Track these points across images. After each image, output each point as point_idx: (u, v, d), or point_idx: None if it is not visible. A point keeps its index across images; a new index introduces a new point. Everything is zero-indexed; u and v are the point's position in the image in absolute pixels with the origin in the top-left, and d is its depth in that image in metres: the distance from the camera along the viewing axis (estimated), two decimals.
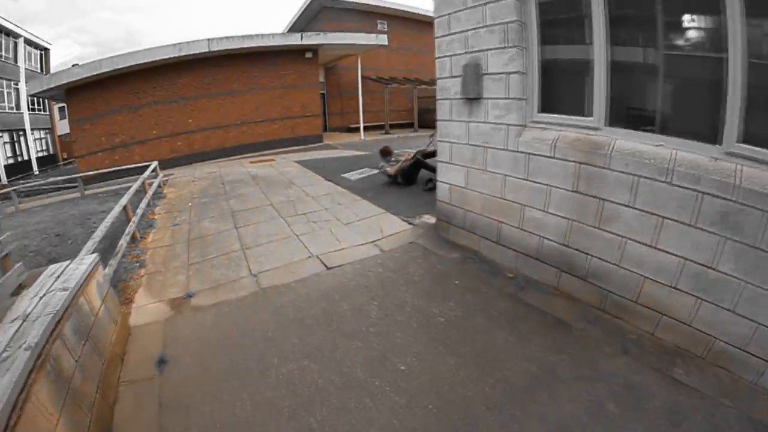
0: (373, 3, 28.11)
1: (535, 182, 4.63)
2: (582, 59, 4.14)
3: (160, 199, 10.96)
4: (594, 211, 4.06)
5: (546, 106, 4.65)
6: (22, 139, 35.82)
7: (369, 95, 26.10)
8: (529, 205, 4.77)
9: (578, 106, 4.29)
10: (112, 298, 4.43)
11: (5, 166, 32.10)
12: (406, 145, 17.82)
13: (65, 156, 20.71)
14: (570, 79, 4.46)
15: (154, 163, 12.53)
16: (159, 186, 11.86)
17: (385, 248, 6.20)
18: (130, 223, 7.29)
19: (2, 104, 33.16)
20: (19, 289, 4.01)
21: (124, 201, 7.49)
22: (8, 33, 34.22)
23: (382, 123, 27.40)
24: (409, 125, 29.08)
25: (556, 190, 4.40)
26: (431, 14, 19.10)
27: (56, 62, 22.03)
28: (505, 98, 4.82)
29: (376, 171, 11.33)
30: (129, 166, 15.60)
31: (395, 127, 28.05)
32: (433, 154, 9.03)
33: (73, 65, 19.90)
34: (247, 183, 11.71)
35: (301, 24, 30.76)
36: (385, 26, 28.74)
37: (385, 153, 10.70)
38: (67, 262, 4.14)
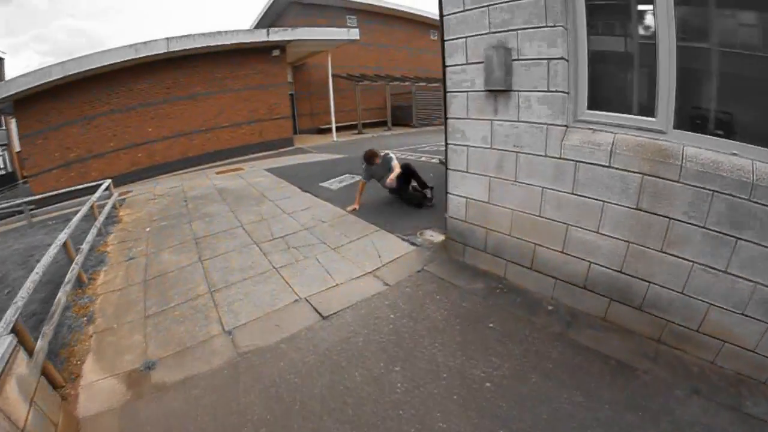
0: None
1: (585, 197, 3.68)
2: (642, 43, 3.43)
3: (114, 224, 9.69)
4: (659, 233, 3.39)
5: (595, 103, 3.68)
6: None
7: (340, 94, 24.87)
8: (576, 225, 3.81)
9: (636, 103, 3.51)
10: (45, 394, 3.39)
11: None
12: (385, 145, 16.96)
13: (25, 174, 19.55)
14: (625, 69, 3.61)
15: (107, 182, 11.10)
16: (114, 207, 10.57)
17: (390, 280, 5.03)
18: (73, 265, 6.05)
19: None
20: None
21: (62, 237, 6.18)
22: None
23: (355, 122, 26.18)
24: (383, 123, 27.96)
25: (613, 206, 3.59)
26: (401, 8, 18.38)
27: (15, 73, 20.86)
28: (544, 91, 3.77)
29: (358, 177, 9.71)
30: (78, 187, 14.00)
31: (368, 126, 26.97)
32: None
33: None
34: (213, 199, 10.43)
35: (266, 22, 29.45)
36: (355, 21, 27.70)
37: (371, 158, 8.12)
38: None
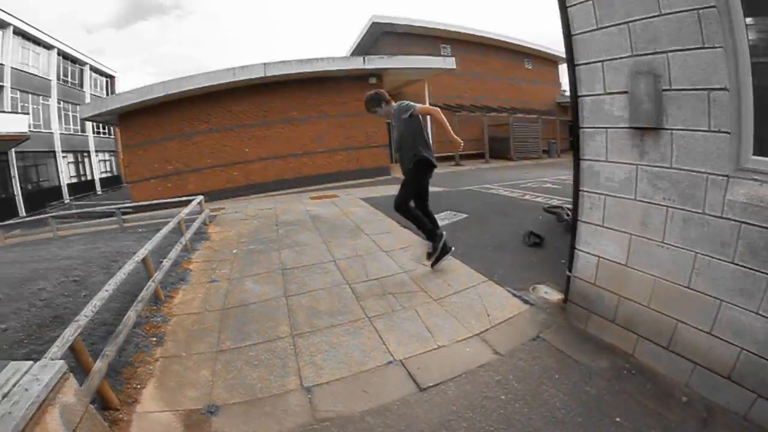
0: (435, 27, 27.29)
1: (747, 268, 2.85)
2: None
3: (202, 240, 9.59)
4: None
5: (761, 147, 2.86)
6: (86, 160, 38.85)
7: (436, 124, 24.07)
8: (731, 302, 2.97)
9: None
10: (92, 423, 3.07)
11: (69, 185, 34.44)
12: (483, 179, 16.50)
13: (127, 180, 21.25)
14: None
15: (198, 198, 11.16)
16: (204, 223, 10.58)
17: (501, 348, 4.17)
18: (150, 282, 5.76)
19: (68, 126, 35.60)
20: None
21: (142, 253, 5.87)
22: (74, 60, 37.45)
23: (451, 153, 25.22)
24: (480, 156, 27.07)
25: None
26: (496, 36, 17.72)
27: (123, 92, 24.10)
28: (703, 130, 2.98)
29: (462, 215, 9.23)
30: (171, 200, 14.34)
31: (465, 157, 26.21)
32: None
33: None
34: (306, 226, 9.99)
35: (361, 50, 29.94)
36: (449, 51, 27.72)
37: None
38: (28, 365, 2.95)
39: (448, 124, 5.86)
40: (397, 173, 20.37)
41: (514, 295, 5.19)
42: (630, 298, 3.75)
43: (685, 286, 3.24)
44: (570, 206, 7.25)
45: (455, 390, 3.59)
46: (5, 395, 2.59)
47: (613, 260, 3.86)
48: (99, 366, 3.66)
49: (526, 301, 5.01)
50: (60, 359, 3.04)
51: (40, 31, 30.99)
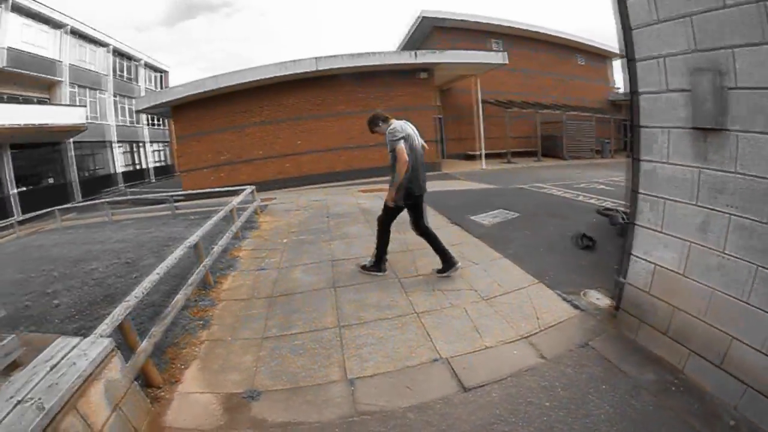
0: (487, 21, 26.72)
1: None
2: None
3: (252, 229, 9.74)
4: None
5: None
6: (141, 150, 41.23)
7: (487, 120, 23.80)
8: None
9: None
10: (135, 399, 3.32)
11: (123, 173, 36.77)
12: (537, 177, 16.14)
13: (180, 169, 22.08)
14: None
15: (250, 188, 11.40)
16: (255, 212, 10.77)
17: (548, 353, 4.04)
18: (200, 267, 5.86)
19: (123, 118, 37.86)
20: (12, 367, 3.30)
21: (193, 239, 5.95)
22: (129, 57, 39.66)
23: (503, 151, 25.00)
24: (530, 154, 26.41)
25: None
26: (547, 31, 16.98)
27: (175, 85, 26.00)
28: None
29: (514, 214, 9.04)
30: (223, 189, 14.64)
31: (516, 155, 25.54)
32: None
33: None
34: (356, 219, 9.97)
35: (410, 46, 29.69)
36: (500, 46, 26.98)
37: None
38: (77, 340, 3.19)
39: (400, 177, 5.57)
40: (446, 169, 20.30)
41: (564, 300, 5.05)
42: (684, 310, 3.56)
43: (743, 301, 3.04)
44: (624, 209, 7.01)
45: (499, 392, 3.51)
46: (53, 367, 2.76)
47: (669, 268, 3.66)
48: (145, 345, 3.78)
49: (576, 306, 4.88)
50: (108, 337, 3.20)
51: (95, 30, 32.90)
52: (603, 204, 9.62)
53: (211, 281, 6.30)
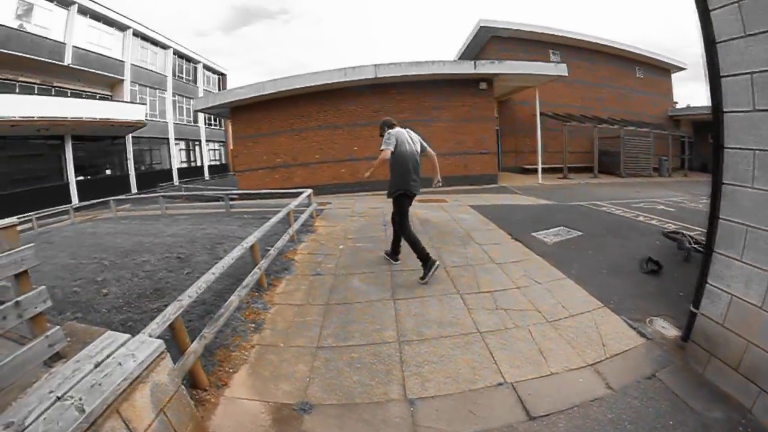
0: (545, 32, 26.36)
1: None
2: None
3: (308, 233, 9.73)
4: None
5: None
6: (197, 148, 43.57)
7: (544, 133, 23.07)
8: None
9: None
10: (181, 403, 3.10)
11: (179, 169, 38.72)
12: (593, 195, 15.74)
13: (235, 169, 22.80)
14: None
15: (308, 191, 11.38)
16: (311, 216, 10.75)
17: (615, 383, 3.87)
18: (255, 269, 5.83)
19: (182, 117, 40.28)
20: (55, 358, 3.51)
21: (250, 240, 5.92)
22: (189, 59, 42.59)
23: (559, 165, 24.38)
24: (587, 170, 25.67)
25: None
26: (607, 42, 17.22)
27: (234, 87, 27.45)
28: None
29: (575, 233, 8.83)
30: (278, 190, 14.91)
31: (572, 170, 24.88)
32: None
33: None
34: (415, 229, 9.20)
35: (468, 55, 29.43)
36: (558, 57, 26.44)
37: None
38: (125, 338, 3.04)
39: (375, 168, 6.78)
40: (503, 182, 20.04)
41: (631, 326, 4.86)
42: (759, 346, 3.36)
43: None
44: (691, 233, 6.82)
45: (566, 423, 3.40)
46: (98, 364, 2.67)
47: (748, 300, 3.46)
48: (195, 347, 3.74)
49: (642, 334, 4.69)
50: (158, 338, 3.12)
51: (156, 33, 35.19)
52: (665, 226, 9.34)
53: (265, 284, 6.27)
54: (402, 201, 6.77)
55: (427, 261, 6.47)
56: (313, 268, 7.20)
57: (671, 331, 4.69)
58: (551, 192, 17.09)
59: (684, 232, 7.71)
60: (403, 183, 6.67)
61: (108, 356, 2.75)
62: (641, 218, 10.56)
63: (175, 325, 3.56)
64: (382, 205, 13.29)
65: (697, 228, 8.57)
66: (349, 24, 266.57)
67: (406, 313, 5.34)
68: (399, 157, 6.62)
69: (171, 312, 3.52)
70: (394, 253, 7.34)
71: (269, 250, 6.98)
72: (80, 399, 2.34)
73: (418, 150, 6.87)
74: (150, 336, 3.12)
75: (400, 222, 6.86)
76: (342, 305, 5.64)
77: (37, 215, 17.22)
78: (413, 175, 6.69)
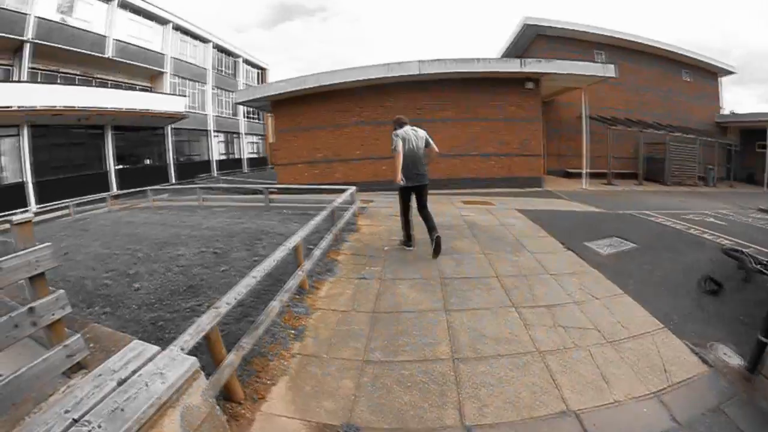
0: (592, 31, 25.76)
1: None
2: None
3: (351, 232, 9.58)
4: None
5: None
6: (236, 140, 44.54)
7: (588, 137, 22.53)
8: None
9: None
10: (213, 424, 2.81)
11: (218, 161, 39.63)
12: (639, 203, 15.49)
13: (275, 162, 23.04)
14: None
15: (352, 188, 11.24)
16: (354, 214, 10.59)
17: (680, 415, 3.60)
18: (298, 271, 5.70)
19: (222, 110, 41.38)
20: (76, 367, 3.26)
21: (295, 240, 5.68)
22: (230, 54, 43.69)
23: (602, 170, 23.47)
24: (631, 176, 24.75)
25: None
26: (654, 43, 17.12)
27: (275, 80, 28.25)
28: None
29: (629, 244, 8.51)
30: (320, 186, 14.97)
31: (616, 176, 23.90)
32: None
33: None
34: (462, 232, 9.53)
35: (512, 54, 28.82)
36: (603, 57, 25.76)
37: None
38: (154, 351, 2.83)
39: (395, 166, 7.48)
40: (548, 186, 19.61)
41: (693, 351, 4.58)
42: None
43: None
44: (747, 250, 6.57)
45: None
46: (121, 382, 2.45)
47: None
48: (231, 359, 3.53)
49: (705, 361, 4.42)
50: (192, 356, 2.88)
51: (197, 27, 36.37)
52: (721, 242, 8.98)
53: (307, 286, 6.05)
54: (403, 193, 7.89)
55: (409, 241, 8.16)
56: (358, 270, 7.02)
57: (735, 360, 4.44)
58: (597, 198, 16.69)
59: (743, 250, 7.42)
60: (409, 178, 7.55)
61: (133, 372, 2.55)
62: (693, 231, 10.17)
63: (211, 336, 3.35)
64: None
65: (751, 245, 8.31)
66: (387, 23, 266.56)
67: (459, 326, 5.07)
68: (406, 154, 7.53)
69: (206, 322, 3.31)
70: (407, 240, 8.25)
71: (312, 249, 6.86)
72: (99, 426, 2.13)
73: (422, 146, 7.73)
74: (182, 350, 2.89)
75: (401, 209, 8.08)
76: (390, 314, 5.40)
77: (75, 202, 17.71)
78: (414, 169, 7.57)
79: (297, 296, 5.71)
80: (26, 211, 19.28)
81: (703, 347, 4.70)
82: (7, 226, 3.78)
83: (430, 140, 7.89)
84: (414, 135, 7.66)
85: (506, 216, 11.69)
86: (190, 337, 3.05)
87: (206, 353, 3.39)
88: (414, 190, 7.81)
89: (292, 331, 4.85)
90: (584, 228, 10.20)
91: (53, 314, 3.16)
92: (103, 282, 6.94)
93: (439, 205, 13.24)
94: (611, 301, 5.86)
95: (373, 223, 10.65)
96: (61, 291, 3.29)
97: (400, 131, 7.61)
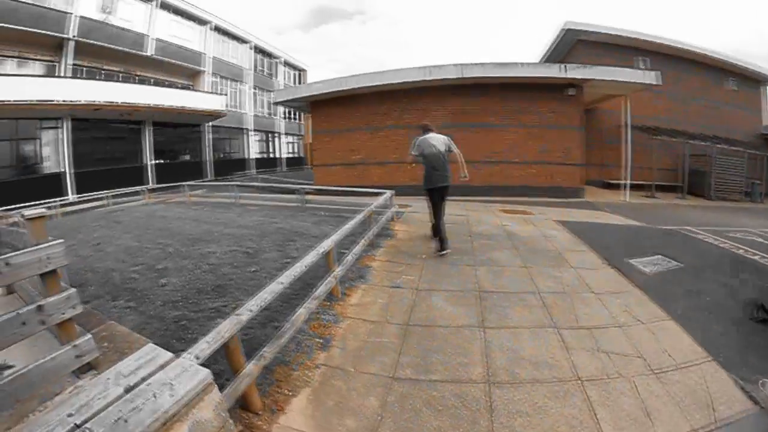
0: (636, 36, 24.90)
1: None
2: None
3: (386, 237, 9.44)
4: None
5: None
6: (274, 140, 45.78)
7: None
8: None
9: None
10: None
11: (255, 160, 40.67)
12: (682, 218, 14.76)
13: (312, 163, 23.38)
14: None
15: (389, 192, 11.22)
16: (390, 219, 10.52)
17: None
18: (330, 278, 5.53)
19: (261, 109, 42.60)
20: (86, 367, 3.11)
21: (327, 245, 5.62)
22: (269, 55, 44.73)
23: (642, 182, 22.58)
24: (672, 188, 23.60)
25: None
26: (699, 50, 16.38)
27: (314, 81, 29.09)
28: None
29: (674, 264, 8.06)
30: (357, 188, 14.81)
31: (657, 188, 22.85)
32: None
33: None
34: (502, 243, 9.24)
35: (552, 60, 28.21)
36: (647, 64, 24.78)
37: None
38: (167, 358, 2.80)
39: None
40: (589, 197, 19.09)
41: (742, 389, 4.23)
42: None
43: None
44: None
45: None
46: (129, 389, 2.41)
47: None
48: (251, 369, 3.40)
49: (754, 401, 4.06)
50: (206, 368, 2.78)
51: (237, 28, 37.44)
52: None
53: (338, 293, 5.92)
54: (431, 194, 8.58)
55: (443, 243, 8.34)
56: (392, 278, 6.84)
57: None
58: (639, 212, 16.09)
59: None
60: (427, 180, 8.47)
61: (142, 380, 2.51)
62: (741, 251, 9.65)
63: (230, 345, 3.23)
64: (465, 213, 13.04)
65: None
66: (426, 26, 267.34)
67: (497, 346, 4.79)
68: (424, 159, 8.44)
69: (226, 329, 3.18)
70: (440, 240, 8.51)
71: (345, 253, 6.71)
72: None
73: (442, 150, 8.35)
74: (197, 358, 2.80)
75: (431, 211, 8.75)
76: (423, 327, 5.20)
77: (112, 194, 18.47)
78: (436, 172, 8.30)
79: (326, 302, 5.59)
80: (65, 200, 20.25)
81: (752, 383, 4.34)
82: (19, 219, 3.74)
83: (452, 146, 8.49)
84: (432, 142, 8.36)
85: (546, 227, 11.35)
86: (207, 345, 2.98)
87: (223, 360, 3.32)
88: (437, 191, 8.46)
89: (319, 340, 4.73)
90: (626, 243, 9.80)
91: (63, 313, 3.04)
92: (131, 275, 6.98)
93: (478, 213, 13.20)
94: (656, 326, 5.51)
95: (410, 229, 10.51)
96: (73, 290, 3.16)
97: (419, 139, 8.55)
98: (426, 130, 8.72)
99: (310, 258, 4.98)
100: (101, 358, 3.24)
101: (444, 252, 8.22)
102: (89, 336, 3.15)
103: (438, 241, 8.42)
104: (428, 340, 4.90)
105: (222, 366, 3.31)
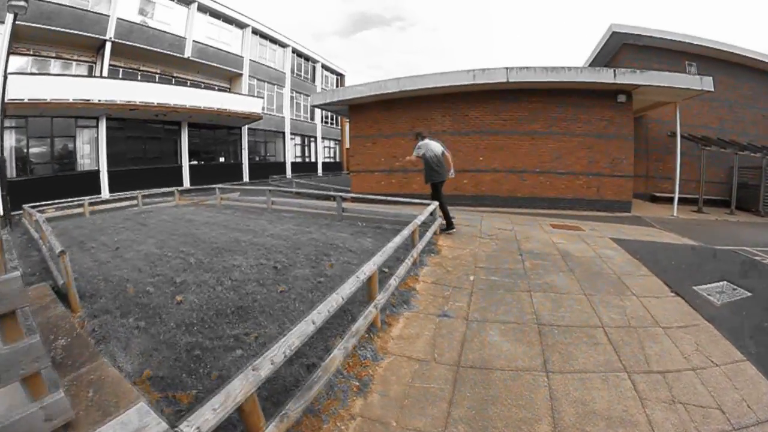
0: (685, 40, 23.71)
1: None
2: None
3: (431, 254, 8.83)
4: None
5: None
6: (312, 144, 46.62)
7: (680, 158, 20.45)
8: None
9: None
10: None
11: (292, 163, 41.56)
12: (732, 236, 13.75)
13: (350, 168, 23.15)
14: None
15: (434, 204, 10.58)
16: (434, 233, 9.94)
17: None
18: (371, 308, 4.99)
19: (298, 113, 43.59)
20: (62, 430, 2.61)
21: (369, 269, 5.07)
22: (308, 59, 45.97)
23: (691, 195, 21.26)
24: (720, 203, 22.24)
25: None
26: (753, 55, 15.97)
27: (354, 84, 29.31)
28: None
29: (743, 293, 7.26)
30: (395, 198, 14.31)
31: (705, 202, 21.44)
32: None
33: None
34: (556, 264, 8.54)
35: (598, 65, 27.26)
36: (695, 69, 23.75)
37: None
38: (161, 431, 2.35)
39: (406, 162, 12.46)
40: (637, 211, 18.23)
41: None
42: None
43: None
44: None
45: None
46: None
47: None
48: (290, 410, 2.96)
49: None
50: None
51: (275, 32, 38.87)
52: None
53: (378, 322, 5.35)
54: (433, 185, 11.22)
55: (450, 224, 11.28)
56: (440, 305, 6.27)
57: None
58: (690, 228, 15.13)
59: None
60: (429, 176, 11.20)
61: None
62: None
63: (245, 408, 2.66)
64: (510, 227, 12.33)
65: None
66: (465, 33, 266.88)
67: (564, 395, 4.17)
68: (425, 161, 11.04)
69: (239, 388, 2.58)
70: (447, 225, 11.30)
71: (385, 272, 6.27)
72: None
73: (439, 153, 10.94)
74: (198, 429, 2.23)
75: (437, 197, 11.06)
76: (478, 370, 4.61)
77: (143, 194, 18.62)
78: (435, 170, 11.03)
79: (366, 336, 5.04)
80: (97, 198, 20.61)
81: None
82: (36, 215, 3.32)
83: (445, 150, 11.06)
84: (431, 146, 10.94)
85: (600, 245, 10.55)
86: (213, 413, 2.36)
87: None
88: (439, 183, 11.10)
89: (356, 383, 4.17)
90: (687, 266, 8.94)
91: (23, 369, 2.52)
92: (146, 288, 6.65)
93: (526, 227, 12.46)
94: (732, 369, 4.83)
95: (455, 245, 9.85)
96: (36, 339, 2.67)
97: (422, 143, 11.06)
98: (422, 136, 11.34)
99: (348, 287, 4.46)
100: (81, 415, 2.82)
101: (450, 231, 11.18)
102: (60, 394, 2.69)
103: (447, 224, 11.22)
104: (484, 387, 4.31)
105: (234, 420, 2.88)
